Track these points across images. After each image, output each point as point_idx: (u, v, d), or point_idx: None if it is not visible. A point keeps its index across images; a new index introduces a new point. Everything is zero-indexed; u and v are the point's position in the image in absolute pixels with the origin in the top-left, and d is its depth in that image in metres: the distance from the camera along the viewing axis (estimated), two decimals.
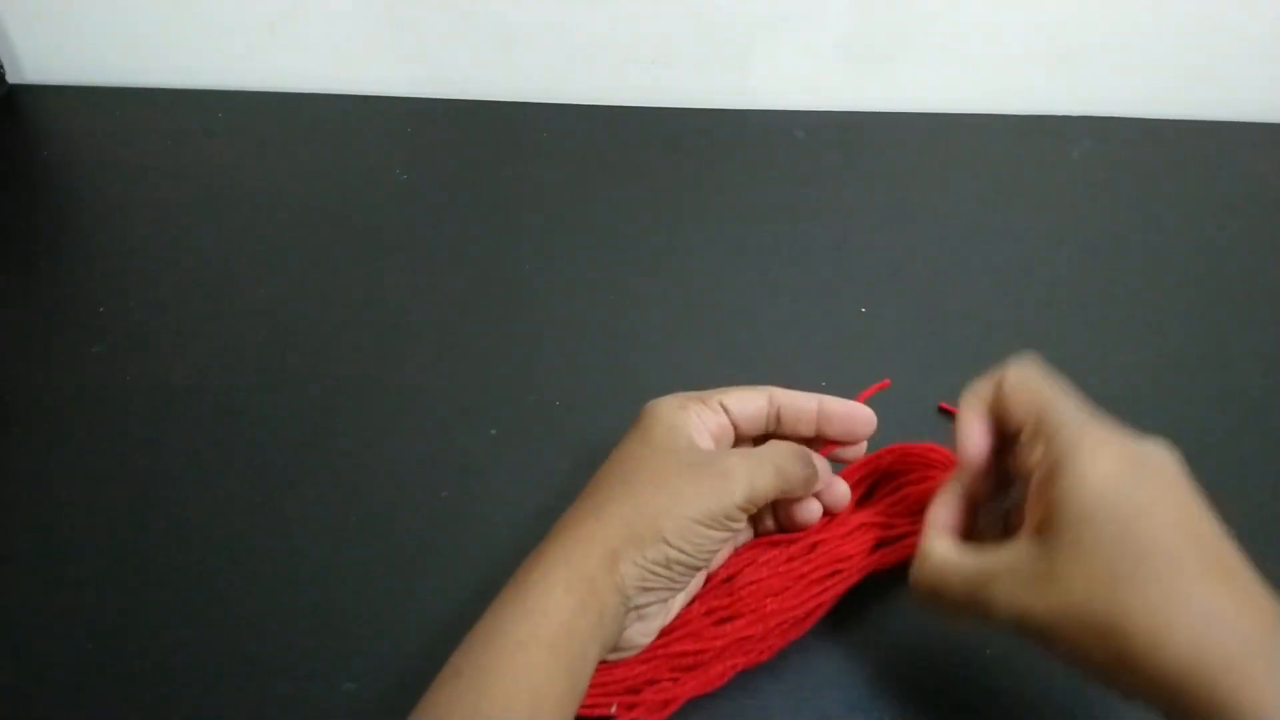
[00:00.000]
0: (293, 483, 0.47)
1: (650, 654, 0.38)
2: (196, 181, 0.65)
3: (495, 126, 0.71)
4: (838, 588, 0.40)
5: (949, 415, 0.48)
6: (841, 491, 0.41)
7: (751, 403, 0.40)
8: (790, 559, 0.40)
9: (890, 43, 0.71)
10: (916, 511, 0.41)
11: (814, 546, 0.40)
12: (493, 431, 0.49)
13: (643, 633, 0.38)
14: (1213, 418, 0.51)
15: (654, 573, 0.35)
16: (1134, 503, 0.31)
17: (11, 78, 0.73)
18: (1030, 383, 0.35)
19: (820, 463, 0.40)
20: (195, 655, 0.40)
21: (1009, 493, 0.38)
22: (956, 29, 0.70)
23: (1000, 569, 0.32)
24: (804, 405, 0.40)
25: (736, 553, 0.42)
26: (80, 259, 0.60)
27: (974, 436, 0.36)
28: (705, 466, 0.37)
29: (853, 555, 0.40)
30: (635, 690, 0.37)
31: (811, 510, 0.41)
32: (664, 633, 0.39)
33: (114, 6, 0.70)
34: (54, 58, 0.73)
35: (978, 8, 0.69)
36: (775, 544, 0.41)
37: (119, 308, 0.56)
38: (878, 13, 0.69)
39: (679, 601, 0.39)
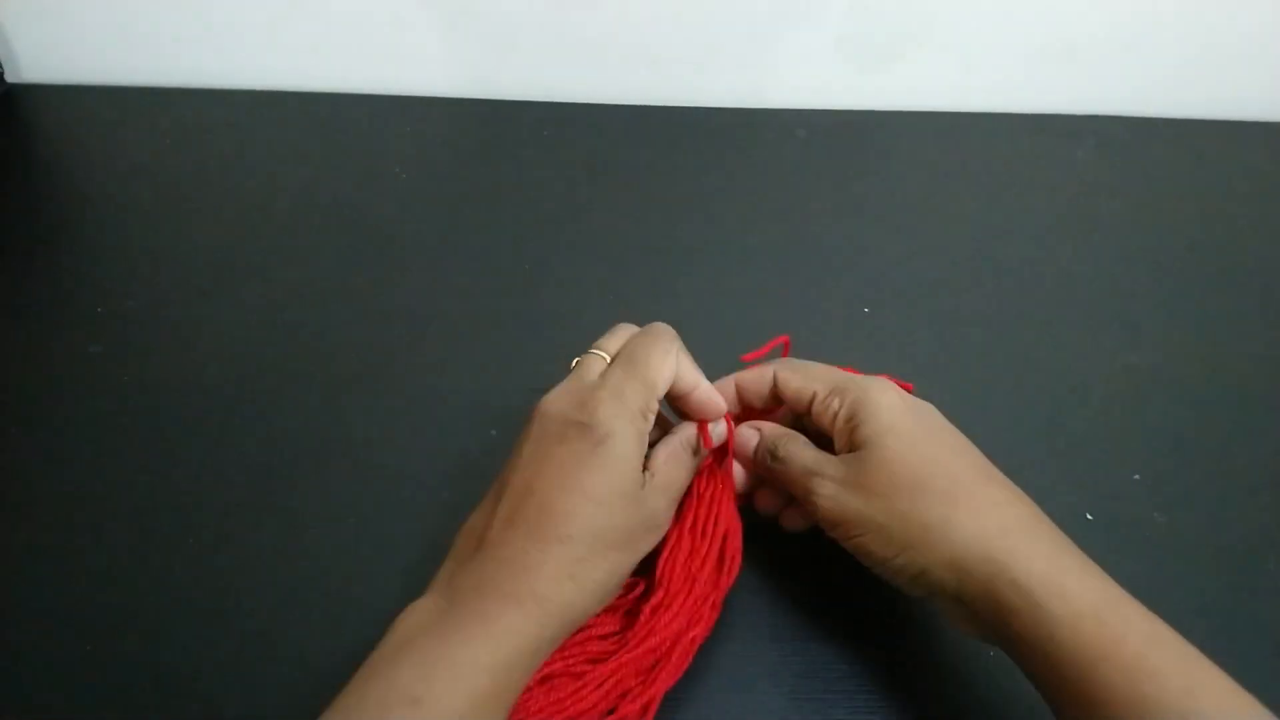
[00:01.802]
0: (292, 483, 0.47)
1: (616, 664, 0.37)
2: (195, 180, 0.65)
3: (495, 126, 0.71)
4: (729, 513, 0.41)
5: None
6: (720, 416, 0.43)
7: (670, 379, 0.40)
8: (678, 522, 0.40)
9: (892, 42, 0.71)
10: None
11: (683, 504, 0.41)
12: (493, 432, 0.49)
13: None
14: (1214, 418, 0.51)
15: (601, 599, 0.37)
16: (920, 427, 0.39)
17: (10, 77, 0.73)
18: (800, 366, 0.43)
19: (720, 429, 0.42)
20: (195, 655, 0.40)
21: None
22: (959, 28, 0.70)
23: (825, 468, 0.39)
24: (686, 382, 0.40)
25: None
26: (78, 258, 0.60)
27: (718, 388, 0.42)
28: (648, 518, 0.38)
29: (716, 484, 0.41)
30: (610, 710, 0.37)
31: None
32: (623, 642, 0.38)
33: (112, 5, 0.70)
34: (52, 56, 0.73)
35: (980, 7, 0.69)
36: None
37: (117, 307, 0.56)
38: (879, 12, 0.69)
39: None
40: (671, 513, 0.39)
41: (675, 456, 0.39)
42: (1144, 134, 0.72)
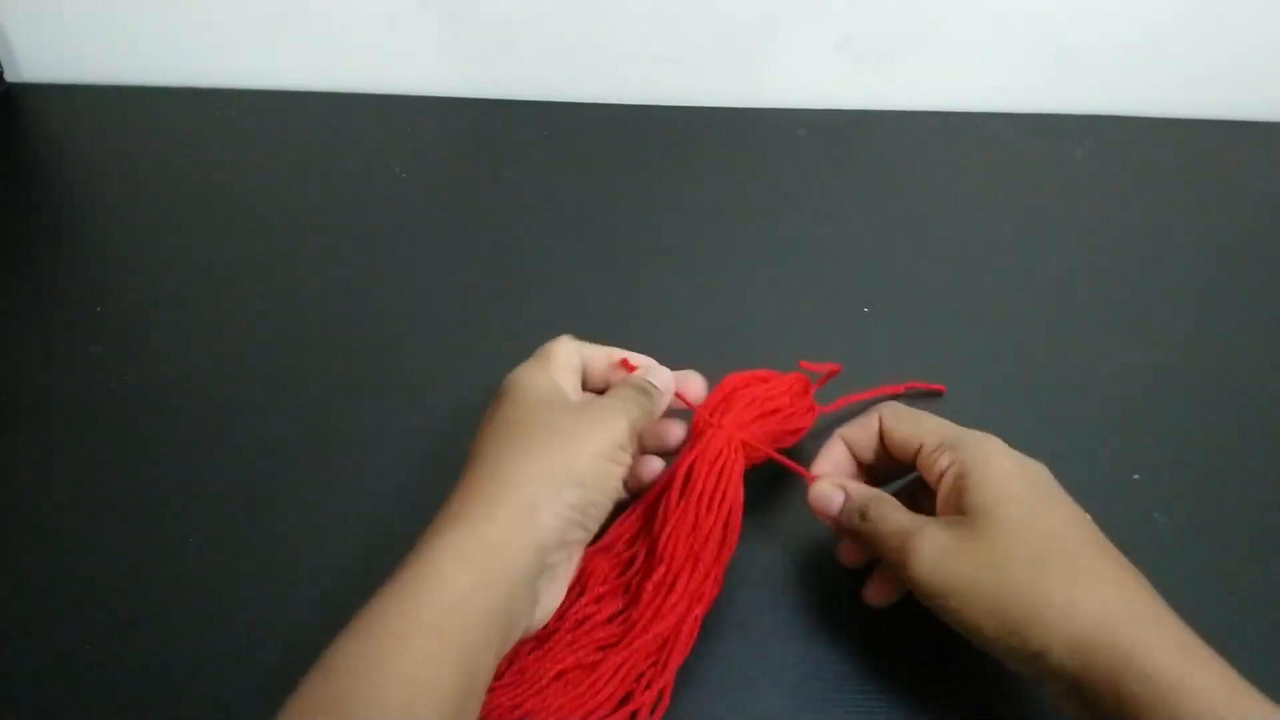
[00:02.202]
0: (291, 482, 0.47)
1: (627, 652, 0.37)
2: (194, 180, 0.65)
3: (495, 126, 0.71)
4: (735, 488, 0.40)
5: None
6: (698, 383, 0.43)
7: (572, 356, 0.42)
8: (683, 497, 0.40)
9: (892, 41, 0.71)
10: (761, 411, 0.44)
11: (689, 471, 0.40)
12: None
13: (552, 596, 0.37)
14: (1214, 417, 0.51)
15: (572, 520, 0.36)
16: (1038, 495, 0.36)
17: (9, 76, 0.73)
18: (907, 416, 0.41)
19: (664, 376, 0.42)
20: (194, 654, 0.40)
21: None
22: (959, 28, 0.70)
23: (926, 531, 0.36)
24: (598, 353, 0.43)
25: (631, 524, 0.42)
26: (78, 258, 0.60)
27: (829, 459, 0.42)
28: (585, 410, 0.38)
29: (724, 457, 0.41)
30: (626, 697, 0.37)
31: (673, 432, 0.43)
32: (630, 624, 0.38)
33: (112, 5, 0.70)
34: (52, 56, 0.73)
35: (980, 7, 0.69)
36: (657, 498, 0.41)
37: (116, 307, 0.56)
38: (879, 11, 0.69)
39: (572, 567, 0.38)
40: (624, 417, 0.38)
41: (611, 387, 0.41)
42: (1144, 134, 0.72)
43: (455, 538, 0.33)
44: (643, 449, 0.43)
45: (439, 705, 0.30)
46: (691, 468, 0.40)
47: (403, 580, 0.32)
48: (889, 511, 0.38)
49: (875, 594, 0.40)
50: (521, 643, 0.37)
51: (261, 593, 0.42)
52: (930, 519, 0.37)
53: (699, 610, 0.38)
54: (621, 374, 0.42)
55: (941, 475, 0.38)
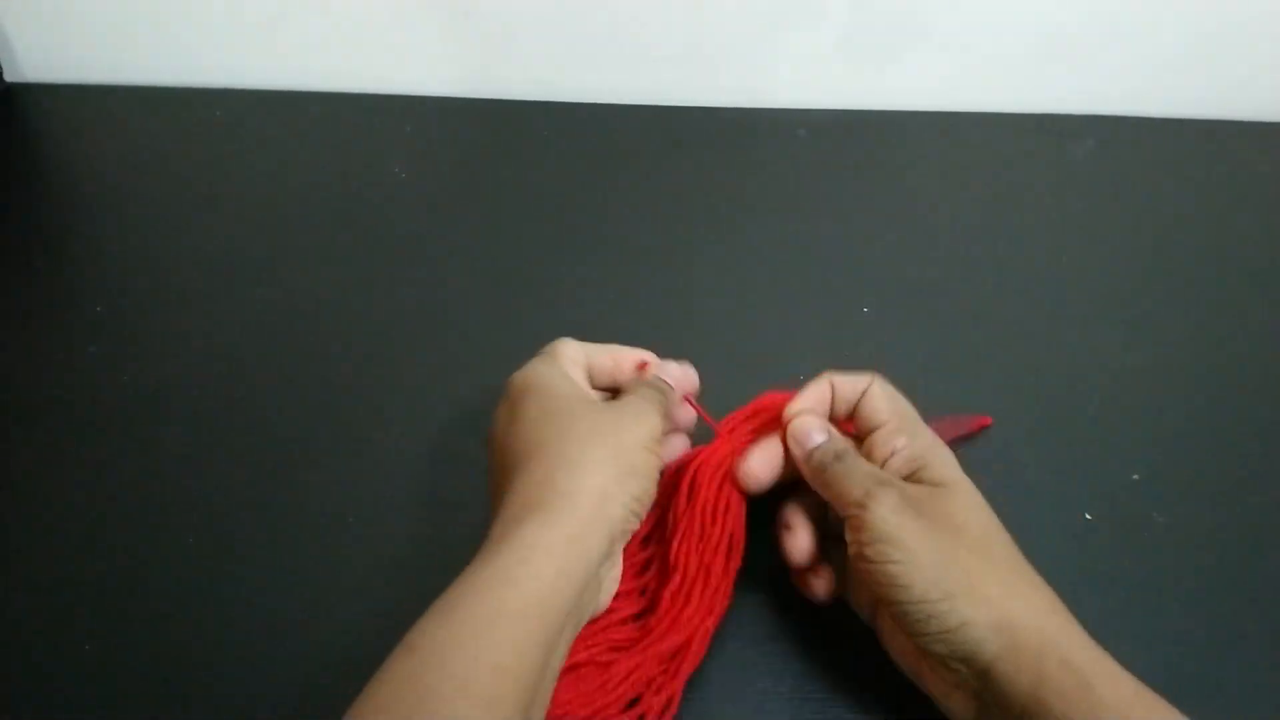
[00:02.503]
0: (291, 481, 0.47)
1: (641, 657, 0.37)
2: (194, 180, 0.65)
3: (495, 126, 0.71)
4: (737, 507, 0.41)
5: None
6: (692, 378, 0.44)
7: (577, 356, 0.43)
8: (689, 504, 0.40)
9: (892, 41, 0.71)
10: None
11: (692, 484, 0.41)
12: None
13: (612, 580, 0.38)
14: (1214, 417, 0.51)
15: (633, 510, 0.37)
16: (978, 497, 0.38)
17: (9, 76, 0.73)
18: (893, 394, 0.41)
19: (673, 371, 0.43)
20: (194, 653, 0.40)
21: None
22: (958, 27, 0.70)
23: (893, 482, 0.37)
24: (601, 353, 0.43)
25: (644, 524, 0.41)
26: (77, 258, 0.60)
27: (812, 396, 0.42)
28: (619, 406, 0.39)
29: (725, 467, 0.41)
30: (635, 701, 0.37)
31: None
32: (646, 630, 0.38)
33: (112, 5, 0.70)
34: (52, 56, 0.73)
35: (980, 6, 0.69)
36: (668, 502, 0.41)
37: (115, 307, 0.56)
38: (879, 11, 0.69)
39: (621, 554, 0.39)
40: (655, 409, 0.39)
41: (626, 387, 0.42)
42: (1144, 134, 0.72)
43: (539, 529, 0.34)
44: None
45: (520, 691, 0.31)
46: (695, 477, 0.41)
47: (490, 568, 0.33)
48: (860, 462, 0.39)
49: (816, 581, 0.40)
50: None
51: (262, 590, 0.42)
52: (893, 478, 0.38)
53: (710, 622, 0.39)
54: (636, 375, 0.43)
55: (891, 454, 0.39)
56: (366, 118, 0.71)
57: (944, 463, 0.38)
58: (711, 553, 0.39)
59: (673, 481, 0.42)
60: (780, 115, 0.72)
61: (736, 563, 0.40)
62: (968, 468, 0.39)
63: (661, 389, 0.41)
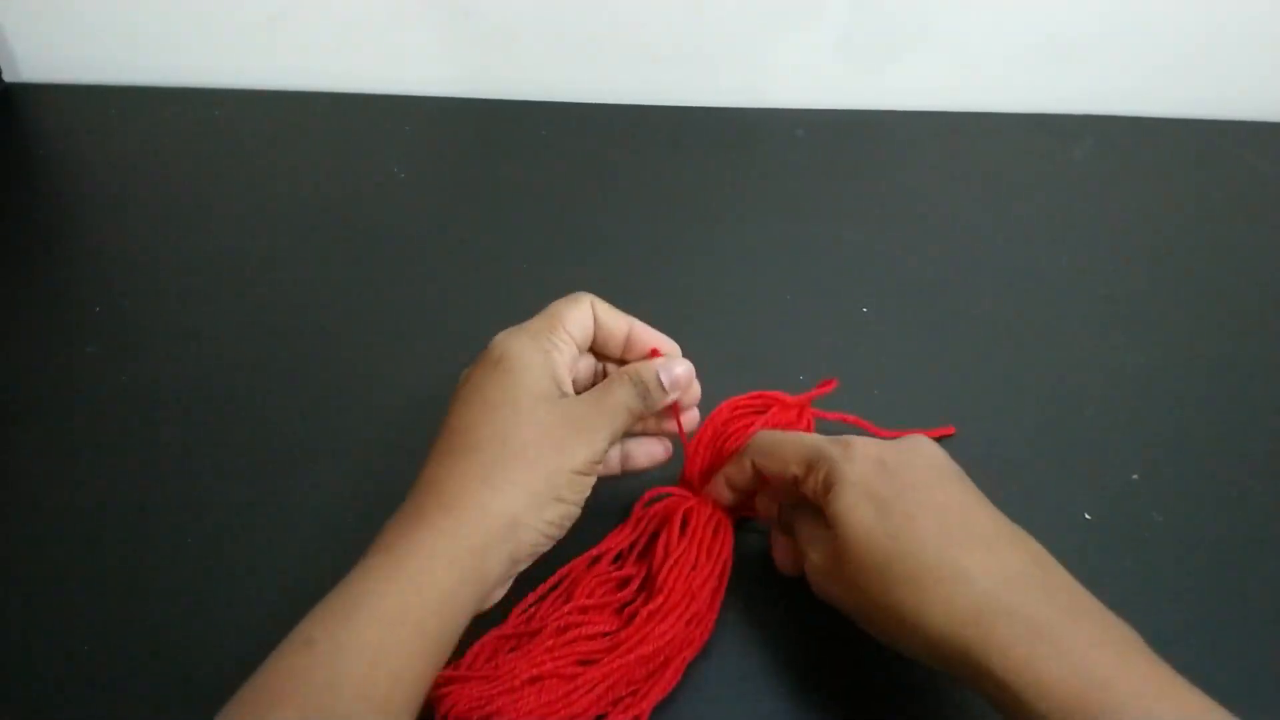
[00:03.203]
0: (290, 482, 0.47)
1: (608, 669, 0.37)
2: (193, 180, 0.65)
3: (495, 126, 0.71)
4: (726, 540, 0.41)
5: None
6: (694, 389, 0.42)
7: (584, 324, 0.40)
8: (683, 536, 0.40)
9: (891, 41, 0.71)
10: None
11: (685, 516, 0.41)
12: None
13: (506, 585, 0.37)
14: (1214, 417, 0.51)
15: (548, 534, 0.36)
16: (887, 494, 0.35)
17: (8, 76, 0.73)
18: (776, 441, 0.40)
19: (679, 371, 0.41)
20: (194, 653, 0.40)
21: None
22: (958, 28, 0.70)
23: (811, 550, 0.37)
24: (616, 326, 0.41)
25: (620, 540, 0.41)
26: (75, 258, 0.60)
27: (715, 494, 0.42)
28: (570, 415, 0.37)
29: (716, 518, 0.41)
30: (600, 717, 0.36)
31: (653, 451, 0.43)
32: (615, 644, 0.38)
33: (112, 5, 0.70)
34: (50, 56, 0.73)
35: (979, 6, 0.69)
36: (661, 523, 0.41)
37: (113, 307, 0.56)
38: (879, 11, 0.69)
39: None
40: (609, 432, 0.38)
41: (614, 380, 0.39)
42: (1144, 134, 0.72)
43: (447, 539, 0.34)
44: (643, 430, 0.42)
45: (412, 700, 0.31)
46: (688, 517, 0.41)
47: (396, 570, 0.33)
48: (798, 524, 0.39)
49: (780, 558, 0.41)
50: (499, 639, 0.38)
51: (262, 592, 0.42)
52: (821, 535, 0.37)
53: (689, 653, 0.38)
54: (640, 359, 0.41)
55: (813, 495, 0.38)
56: (366, 118, 0.71)
57: (843, 484, 0.36)
58: (701, 582, 0.39)
59: (663, 514, 0.42)
60: (780, 115, 0.72)
61: (720, 598, 0.40)
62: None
63: (646, 388, 0.39)
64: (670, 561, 0.39)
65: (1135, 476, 0.48)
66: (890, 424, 0.47)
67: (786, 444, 0.39)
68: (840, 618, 0.41)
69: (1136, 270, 0.60)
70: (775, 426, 0.43)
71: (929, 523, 0.34)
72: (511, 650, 0.38)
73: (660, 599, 0.38)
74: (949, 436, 0.48)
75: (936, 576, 0.33)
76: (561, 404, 0.37)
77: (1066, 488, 0.47)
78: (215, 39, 0.72)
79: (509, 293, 0.57)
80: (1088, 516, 0.46)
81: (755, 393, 0.46)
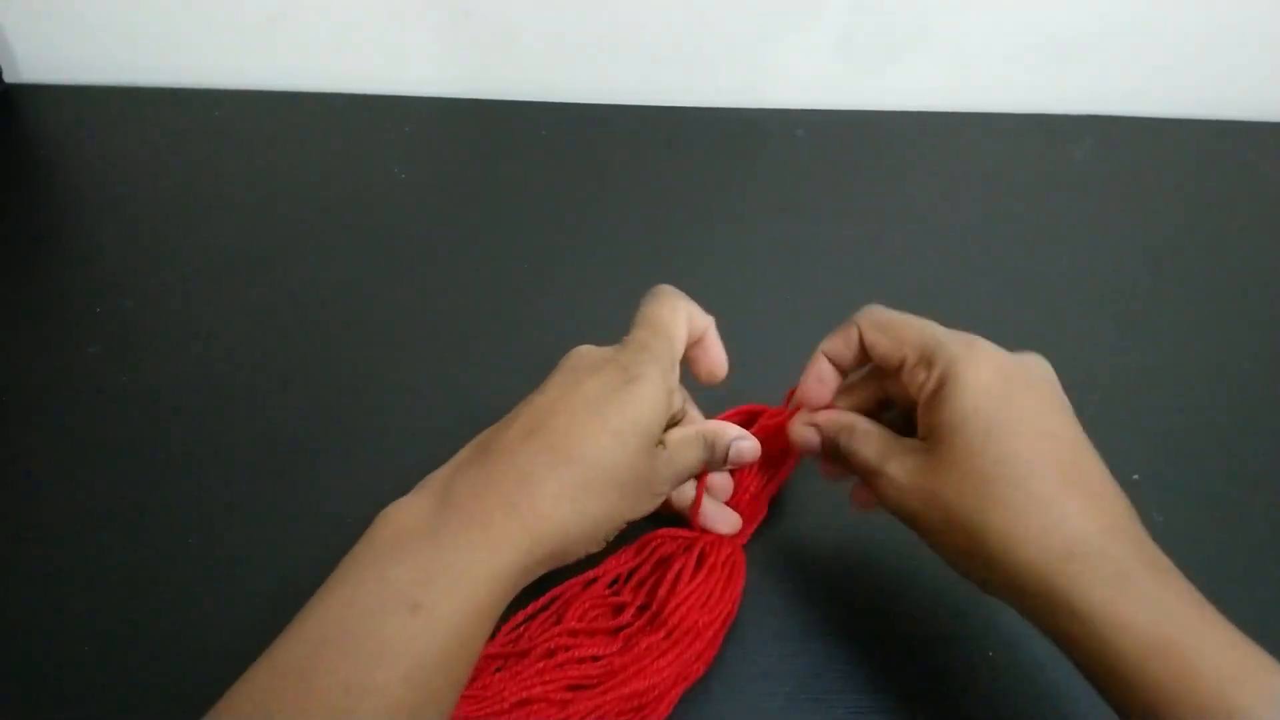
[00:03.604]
0: (291, 482, 0.47)
1: (599, 700, 0.36)
2: (193, 181, 0.65)
3: (495, 126, 0.71)
4: (739, 579, 0.40)
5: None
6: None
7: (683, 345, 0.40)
8: (702, 564, 0.40)
9: (891, 41, 0.71)
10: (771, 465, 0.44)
11: (702, 552, 0.40)
12: None
13: None
14: (1214, 417, 0.51)
15: (560, 565, 0.36)
16: (1004, 413, 0.34)
17: (9, 76, 0.73)
18: (887, 324, 0.38)
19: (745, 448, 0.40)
20: (193, 655, 0.40)
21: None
22: (958, 28, 0.70)
23: (895, 455, 0.36)
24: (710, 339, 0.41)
25: (618, 565, 0.41)
26: (76, 259, 0.60)
27: (814, 376, 0.40)
28: (654, 473, 0.36)
29: (732, 560, 0.41)
30: None
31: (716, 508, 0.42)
32: (609, 672, 0.37)
33: (112, 6, 0.70)
34: (51, 57, 0.73)
35: (979, 7, 0.69)
36: (672, 555, 0.41)
37: (115, 308, 0.56)
38: (879, 11, 0.69)
39: None
40: (668, 490, 0.38)
41: (689, 440, 0.38)
42: (1144, 134, 0.72)
43: (527, 544, 0.33)
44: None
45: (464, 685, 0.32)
46: (705, 553, 0.40)
47: (489, 552, 0.32)
48: (859, 444, 0.37)
49: (857, 496, 0.40)
50: (485, 659, 0.37)
51: (262, 593, 0.42)
52: (900, 446, 0.36)
53: (681, 688, 0.38)
54: (715, 422, 0.40)
55: (920, 391, 0.36)
56: (366, 118, 0.71)
57: (961, 389, 0.34)
58: (708, 621, 0.39)
59: (675, 545, 0.41)
60: (779, 115, 0.72)
61: (723, 635, 0.39)
62: None
63: (710, 457, 0.39)
64: (680, 597, 0.38)
65: (1135, 476, 0.48)
66: None
67: (905, 324, 0.38)
68: (837, 619, 0.41)
69: (1136, 270, 0.60)
70: (764, 434, 0.42)
71: (1040, 451, 0.33)
72: (497, 670, 0.37)
73: (664, 633, 0.38)
74: None
75: (1038, 508, 0.32)
76: (654, 456, 0.36)
77: None
78: (215, 39, 0.72)
79: (509, 293, 0.57)
80: None
81: (737, 408, 0.45)
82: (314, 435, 0.49)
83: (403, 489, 0.46)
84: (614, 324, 0.55)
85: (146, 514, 0.45)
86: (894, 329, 0.38)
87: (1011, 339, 0.55)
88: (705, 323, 0.40)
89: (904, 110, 0.72)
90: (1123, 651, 0.29)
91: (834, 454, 0.39)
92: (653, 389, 0.36)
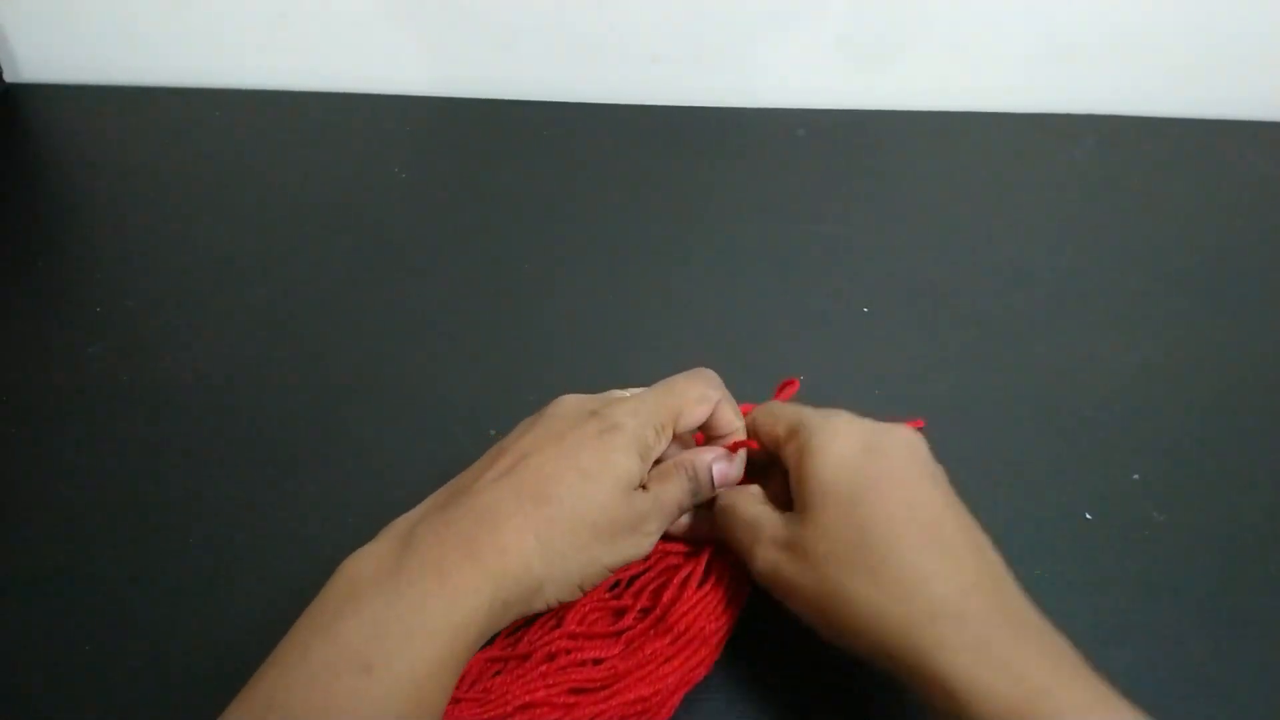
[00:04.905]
0: (291, 483, 0.47)
1: (603, 706, 0.36)
2: (194, 181, 0.65)
3: (495, 125, 0.71)
4: (745, 591, 0.40)
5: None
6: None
7: (697, 423, 0.39)
8: (710, 570, 0.39)
9: (892, 40, 0.71)
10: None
11: (709, 560, 0.40)
12: (492, 432, 0.49)
13: None
14: (1214, 417, 0.51)
15: (540, 611, 0.35)
16: (863, 479, 0.34)
17: (9, 77, 0.73)
18: (776, 407, 0.40)
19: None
20: (193, 655, 0.40)
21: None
22: (958, 27, 0.70)
23: (764, 527, 0.36)
24: (722, 423, 0.40)
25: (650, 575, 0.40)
26: (77, 258, 0.60)
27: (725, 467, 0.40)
28: (636, 516, 0.36)
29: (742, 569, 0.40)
30: None
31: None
32: (613, 676, 0.37)
33: (112, 5, 0.70)
34: (51, 56, 0.73)
35: (979, 7, 0.69)
36: (678, 562, 0.40)
37: (116, 308, 0.56)
38: (879, 10, 0.69)
39: None
40: (660, 530, 0.38)
41: (668, 473, 0.38)
42: (1144, 134, 0.72)
43: (490, 588, 0.33)
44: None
45: None
46: (714, 562, 0.40)
47: (448, 604, 0.32)
48: (742, 502, 0.37)
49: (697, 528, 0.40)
50: (485, 662, 0.37)
51: (262, 593, 0.42)
52: (774, 515, 0.36)
53: (682, 692, 0.38)
54: (709, 448, 0.40)
55: (789, 465, 0.37)
56: (366, 118, 0.71)
57: (823, 459, 0.35)
58: (713, 629, 0.38)
59: (685, 554, 0.41)
60: (779, 115, 0.72)
61: (725, 640, 0.39)
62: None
63: (696, 486, 0.39)
64: (688, 603, 0.38)
65: (1135, 476, 0.48)
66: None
67: (787, 409, 0.39)
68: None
69: (1136, 270, 0.60)
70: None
71: (899, 517, 0.34)
72: (497, 674, 0.37)
73: (669, 638, 0.38)
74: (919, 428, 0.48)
75: (899, 573, 0.32)
76: (632, 499, 0.36)
77: (1066, 488, 0.47)
78: (215, 39, 0.72)
79: (509, 292, 0.57)
80: (1088, 516, 0.46)
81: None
82: (314, 434, 0.49)
83: (401, 487, 0.46)
84: (614, 324, 0.55)
85: (147, 514, 0.45)
86: (778, 411, 0.39)
87: (1012, 339, 0.56)
88: (732, 424, 0.40)
89: (904, 110, 0.72)
90: (987, 717, 0.29)
91: (717, 513, 0.39)
92: (627, 439, 0.36)
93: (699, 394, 0.39)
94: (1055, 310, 0.57)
